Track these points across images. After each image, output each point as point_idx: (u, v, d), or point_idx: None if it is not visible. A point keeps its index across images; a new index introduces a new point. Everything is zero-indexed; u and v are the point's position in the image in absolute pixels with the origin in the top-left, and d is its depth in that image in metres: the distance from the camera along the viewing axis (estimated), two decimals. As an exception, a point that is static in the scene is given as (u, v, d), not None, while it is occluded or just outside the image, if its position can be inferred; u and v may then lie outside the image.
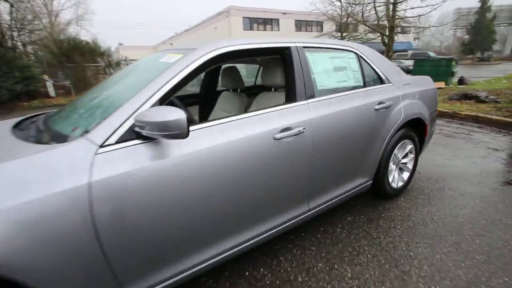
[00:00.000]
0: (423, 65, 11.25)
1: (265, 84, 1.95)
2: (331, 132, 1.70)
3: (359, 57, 2.06)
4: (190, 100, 2.92)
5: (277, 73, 1.83)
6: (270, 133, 1.43)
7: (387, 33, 10.57)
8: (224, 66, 2.83)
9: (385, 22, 11.18)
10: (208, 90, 2.98)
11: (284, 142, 1.47)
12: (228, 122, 1.33)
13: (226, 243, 1.41)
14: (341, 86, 1.88)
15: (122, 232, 1.06)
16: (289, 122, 1.51)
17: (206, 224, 1.31)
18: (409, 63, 12.71)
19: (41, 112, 1.86)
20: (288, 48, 1.67)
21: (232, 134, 1.31)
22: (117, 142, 1.07)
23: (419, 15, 10.60)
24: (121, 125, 1.08)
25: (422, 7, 10.19)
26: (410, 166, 2.53)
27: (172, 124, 1.02)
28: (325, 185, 1.83)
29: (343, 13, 14.65)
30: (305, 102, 1.63)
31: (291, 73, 1.65)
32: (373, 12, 11.22)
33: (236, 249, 1.44)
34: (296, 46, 1.69)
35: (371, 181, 2.18)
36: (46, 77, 12.82)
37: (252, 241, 1.50)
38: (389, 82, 2.18)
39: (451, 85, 10.44)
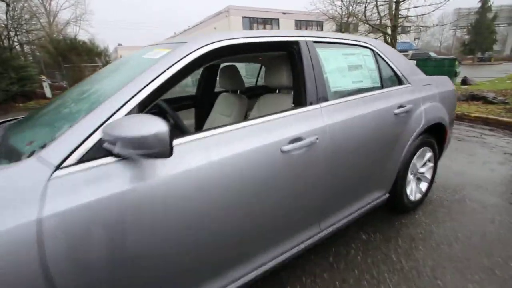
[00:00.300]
0: (426, 65, 10.99)
1: (269, 85, 1.70)
2: (348, 141, 1.45)
3: (375, 54, 1.81)
4: (185, 102, 2.68)
5: (282, 72, 1.59)
6: (277, 144, 1.18)
7: (389, 32, 10.32)
8: (222, 65, 2.59)
9: (387, 22, 10.94)
10: (205, 91, 2.74)
11: (294, 155, 1.22)
12: (226, 132, 1.08)
13: (224, 278, 1.16)
14: (356, 87, 1.64)
15: (86, 283, 0.81)
16: (300, 131, 1.26)
17: (198, 260, 1.06)
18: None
19: (11, 118, 1.61)
20: (296, 43, 1.42)
21: (232, 147, 1.06)
22: (80, 161, 0.82)
23: (422, 14, 10.36)
24: (84, 140, 0.82)
25: (425, 5, 9.95)
26: (428, 175, 2.28)
27: (150, 140, 0.77)
28: (339, 202, 1.58)
29: (343, 13, 14.41)
30: (317, 106, 1.38)
31: (300, 72, 1.40)
32: (375, 11, 10.98)
33: (235, 284, 1.19)
34: (306, 41, 1.44)
35: (388, 194, 1.94)
36: (43, 77, 12.60)
37: (255, 272, 1.25)
38: (408, 83, 1.93)
39: (454, 86, 10.21)
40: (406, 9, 10.38)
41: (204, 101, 2.73)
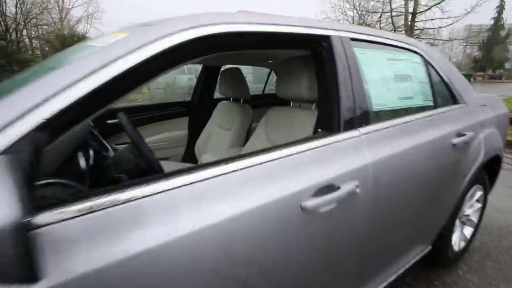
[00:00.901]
0: (440, 80, 10.55)
1: (282, 95, 1.25)
2: (396, 185, 0.98)
3: (426, 62, 1.35)
4: (177, 109, 2.26)
5: (301, 78, 1.14)
6: (296, 198, 0.71)
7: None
8: (223, 68, 2.17)
9: (402, 33, 10.54)
10: (202, 98, 2.34)
11: (321, 213, 0.76)
12: (209, 179, 0.62)
13: None
14: (405, 105, 1.18)
15: None
16: (331, 174, 0.79)
17: None
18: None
19: None
20: (326, 39, 0.95)
21: (217, 208, 0.60)
22: None
23: (439, 27, 9.95)
24: None
25: (443, 18, 9.53)
26: (474, 218, 1.81)
27: None
28: (375, 268, 1.11)
29: (355, 23, 14.06)
30: (356, 132, 0.92)
31: (330, 81, 0.94)
32: (390, 21, 10.60)
33: None
34: (341, 36, 0.99)
35: (431, 247, 1.46)
36: (51, 72, 12.46)
37: None
38: (464, 102, 1.47)
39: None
40: (422, 21, 9.99)
41: (201, 109, 2.31)
